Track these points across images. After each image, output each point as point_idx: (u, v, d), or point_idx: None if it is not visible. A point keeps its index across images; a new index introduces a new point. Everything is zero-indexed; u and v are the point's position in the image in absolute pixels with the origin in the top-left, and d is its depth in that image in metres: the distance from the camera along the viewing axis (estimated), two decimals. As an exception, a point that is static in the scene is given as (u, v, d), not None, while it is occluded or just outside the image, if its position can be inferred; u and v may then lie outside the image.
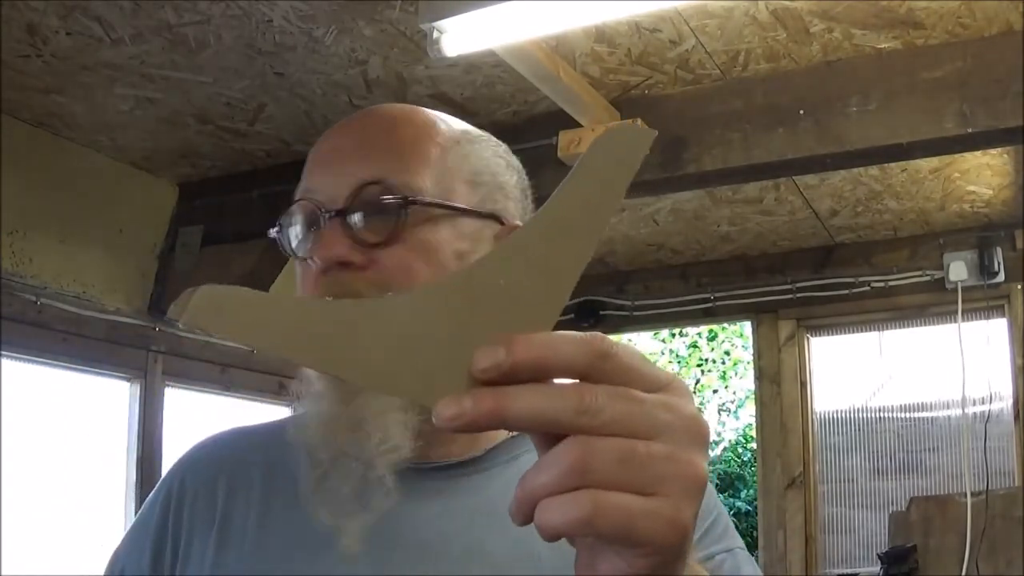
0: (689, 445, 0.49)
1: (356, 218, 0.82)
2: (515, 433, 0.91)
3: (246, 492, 0.88)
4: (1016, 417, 3.54)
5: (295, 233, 0.86)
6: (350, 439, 0.78)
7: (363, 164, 0.84)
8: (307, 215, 0.85)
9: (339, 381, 0.77)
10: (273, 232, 0.88)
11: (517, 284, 0.51)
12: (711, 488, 0.91)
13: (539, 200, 0.93)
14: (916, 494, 3.57)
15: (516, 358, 0.47)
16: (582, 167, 0.52)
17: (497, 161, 0.91)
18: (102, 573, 0.94)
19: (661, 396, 0.50)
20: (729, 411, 8.75)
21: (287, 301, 0.50)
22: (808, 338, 3.96)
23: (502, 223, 0.88)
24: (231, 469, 0.90)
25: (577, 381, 0.48)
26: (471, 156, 0.88)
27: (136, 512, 1.13)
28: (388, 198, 0.82)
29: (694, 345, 8.91)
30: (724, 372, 8.84)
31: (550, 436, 0.48)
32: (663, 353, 8.98)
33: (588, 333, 0.49)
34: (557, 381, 0.49)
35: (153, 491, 0.94)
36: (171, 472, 0.94)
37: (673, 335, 8.81)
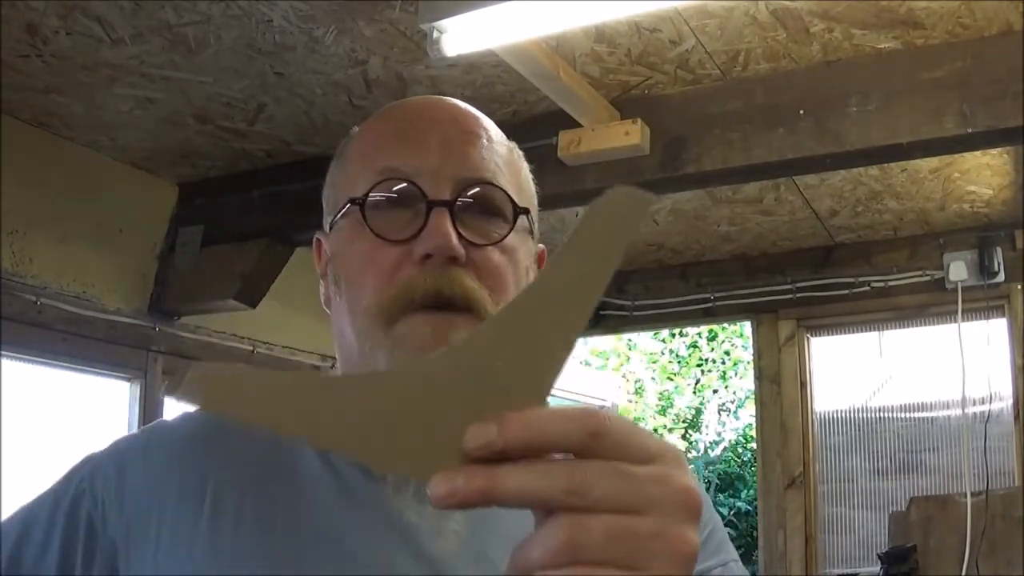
0: (680, 518, 0.50)
1: (465, 214, 0.81)
2: None
3: (238, 489, 0.82)
4: (1016, 417, 3.54)
5: (381, 209, 0.82)
6: None
7: (471, 160, 0.83)
8: (402, 196, 0.82)
9: None
10: (351, 203, 0.84)
11: (511, 357, 0.50)
12: (706, 497, 0.91)
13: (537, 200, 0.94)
14: (916, 494, 3.57)
15: (508, 437, 0.47)
16: (578, 236, 0.51)
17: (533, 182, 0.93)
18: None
19: (653, 468, 0.50)
20: (729, 411, 8.75)
21: (280, 377, 0.50)
22: (808, 338, 3.96)
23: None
24: (223, 460, 0.84)
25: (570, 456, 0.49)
26: (529, 176, 0.92)
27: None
28: (502, 202, 0.83)
29: (694, 345, 8.91)
30: (724, 372, 8.84)
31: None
32: (663, 353, 8.98)
33: (581, 409, 0.50)
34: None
35: (132, 441, 0.88)
36: (156, 439, 0.87)
37: (673, 335, 8.81)
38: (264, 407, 0.49)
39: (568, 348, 0.51)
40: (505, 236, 0.83)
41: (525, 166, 0.92)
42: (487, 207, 0.83)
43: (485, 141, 0.86)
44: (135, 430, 3.32)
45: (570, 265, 0.51)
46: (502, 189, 0.84)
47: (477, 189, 0.82)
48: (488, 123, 0.89)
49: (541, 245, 0.93)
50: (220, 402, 0.49)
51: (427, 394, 0.50)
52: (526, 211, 0.86)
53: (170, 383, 0.49)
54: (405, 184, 0.82)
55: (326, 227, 0.90)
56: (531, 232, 0.89)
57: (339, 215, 0.86)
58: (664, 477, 0.50)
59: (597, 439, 0.48)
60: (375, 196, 0.82)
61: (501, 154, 0.87)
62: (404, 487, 0.80)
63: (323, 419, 0.50)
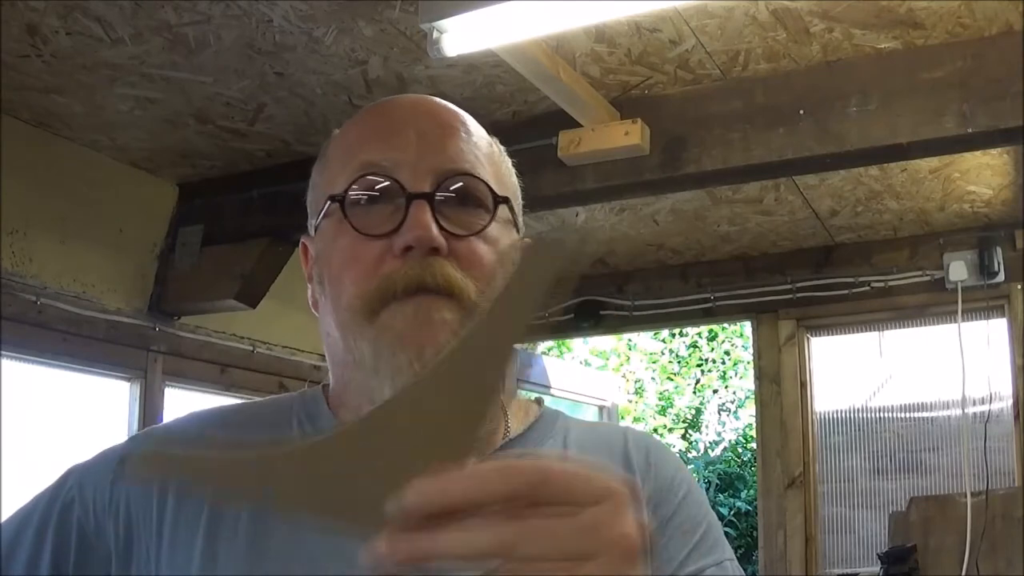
0: (620, 563, 0.51)
1: (445, 205, 0.82)
2: (519, 431, 0.91)
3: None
4: (1016, 417, 3.54)
5: (361, 205, 0.82)
6: None
7: (449, 152, 0.84)
8: (381, 191, 0.82)
9: (421, 360, 0.78)
10: (331, 201, 0.84)
11: (437, 411, 0.52)
12: (703, 497, 0.91)
13: (534, 200, 0.95)
14: (916, 494, 3.57)
15: (442, 499, 0.49)
16: (506, 285, 0.54)
17: (516, 178, 0.94)
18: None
19: (594, 513, 0.51)
20: (729, 411, 8.74)
21: (214, 459, 0.53)
22: (808, 338, 3.96)
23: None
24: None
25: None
26: (511, 170, 0.92)
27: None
28: (482, 192, 0.83)
29: (694, 345, 8.90)
30: (724, 372, 8.83)
31: None
32: (663, 353, 8.98)
33: (517, 462, 0.51)
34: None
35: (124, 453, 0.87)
36: (153, 447, 0.85)
37: (673, 335, 8.81)
38: (207, 484, 0.53)
39: (495, 392, 0.54)
40: (486, 226, 0.83)
41: (507, 160, 0.93)
42: (467, 198, 0.83)
43: (463, 134, 0.86)
44: (126, 437, 3.33)
45: (495, 314, 0.54)
46: (482, 179, 0.84)
47: (457, 181, 0.83)
48: (466, 118, 0.89)
49: (527, 239, 0.92)
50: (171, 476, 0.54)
51: (363, 454, 0.52)
52: (505, 200, 0.86)
53: (118, 470, 0.52)
54: (384, 179, 0.82)
55: (311, 230, 0.90)
56: (515, 224, 0.89)
57: (321, 215, 0.86)
58: (605, 522, 0.51)
59: (536, 489, 0.49)
60: (354, 193, 0.83)
61: (480, 147, 0.87)
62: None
63: (271, 490, 0.52)
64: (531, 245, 0.54)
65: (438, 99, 0.91)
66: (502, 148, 0.93)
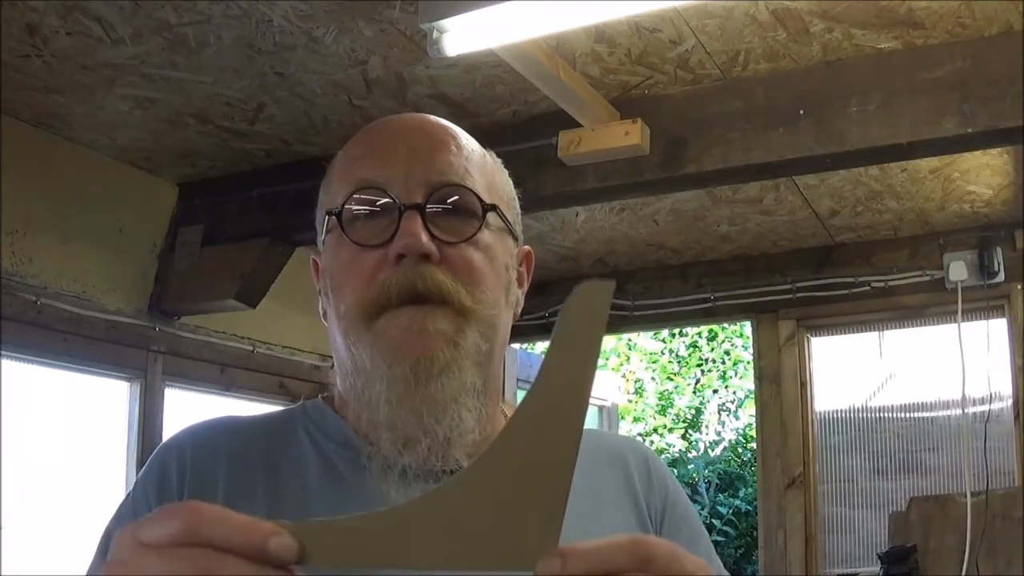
0: None
1: (436, 215, 0.87)
2: None
3: (249, 485, 0.87)
4: (1016, 417, 3.54)
5: (359, 220, 0.88)
6: (427, 421, 0.83)
7: (439, 165, 0.89)
8: (376, 205, 0.88)
9: (416, 370, 0.83)
10: (329, 215, 0.90)
11: (529, 461, 0.57)
12: (688, 504, 1.00)
13: (534, 200, 0.96)
14: (916, 494, 3.57)
15: (570, 569, 0.56)
16: (558, 337, 0.57)
17: (513, 188, 0.98)
18: (94, 553, 0.89)
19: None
20: (729, 411, 8.74)
21: (354, 521, 0.58)
22: (808, 338, 3.96)
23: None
24: (230, 460, 0.89)
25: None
26: (506, 181, 0.97)
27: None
28: (471, 201, 0.88)
29: (694, 345, 8.89)
30: (724, 372, 8.83)
31: None
32: (663, 353, 8.97)
33: (631, 537, 0.59)
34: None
35: (143, 476, 0.91)
36: (163, 455, 0.91)
37: (673, 335, 8.80)
38: (347, 552, 0.57)
39: (576, 438, 0.58)
40: (476, 232, 0.88)
41: (501, 171, 0.97)
42: (458, 208, 0.88)
43: (453, 147, 0.91)
44: (125, 437, 3.27)
45: (560, 365, 0.58)
46: (470, 189, 0.89)
47: (446, 192, 0.87)
48: (457, 132, 0.94)
49: (527, 247, 0.99)
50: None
51: (467, 505, 0.57)
52: (494, 207, 0.90)
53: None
54: (378, 193, 0.87)
55: (319, 246, 0.96)
56: (511, 232, 0.94)
57: (324, 231, 0.93)
58: None
59: (646, 565, 0.58)
60: (351, 207, 0.88)
61: (471, 159, 0.92)
62: (389, 471, 0.84)
63: (390, 546, 0.57)
64: (581, 291, 0.58)
65: (431, 116, 0.96)
66: (498, 160, 0.98)
